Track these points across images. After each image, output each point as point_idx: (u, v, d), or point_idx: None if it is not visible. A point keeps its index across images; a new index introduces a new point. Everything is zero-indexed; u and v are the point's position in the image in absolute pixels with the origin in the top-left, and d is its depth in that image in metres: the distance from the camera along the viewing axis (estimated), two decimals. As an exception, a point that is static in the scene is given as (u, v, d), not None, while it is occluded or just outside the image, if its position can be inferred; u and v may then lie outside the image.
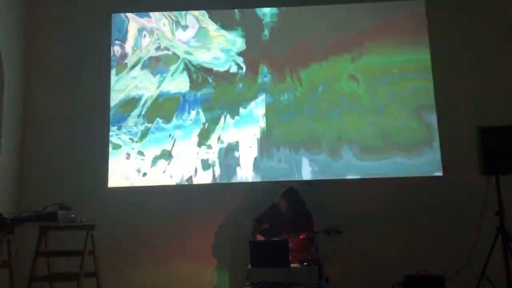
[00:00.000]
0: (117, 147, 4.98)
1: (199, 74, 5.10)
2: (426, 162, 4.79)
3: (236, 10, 5.20)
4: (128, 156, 4.96)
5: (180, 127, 5.00)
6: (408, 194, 4.69)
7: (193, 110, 5.03)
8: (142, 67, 5.14)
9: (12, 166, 4.83)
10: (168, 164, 4.94)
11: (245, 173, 4.88)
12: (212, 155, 4.93)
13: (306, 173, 4.84)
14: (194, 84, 5.08)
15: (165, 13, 5.24)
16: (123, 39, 5.20)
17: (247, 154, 4.91)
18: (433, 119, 4.86)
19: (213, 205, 4.79)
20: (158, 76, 5.12)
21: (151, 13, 5.24)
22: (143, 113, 5.05)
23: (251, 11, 5.20)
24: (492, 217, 3.74)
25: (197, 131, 4.98)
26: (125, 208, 4.79)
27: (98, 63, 5.13)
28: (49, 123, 5.04)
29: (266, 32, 5.15)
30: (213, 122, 4.99)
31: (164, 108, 5.05)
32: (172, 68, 5.13)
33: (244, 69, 5.08)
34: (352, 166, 4.83)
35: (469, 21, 5.01)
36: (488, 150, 3.75)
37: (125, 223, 4.73)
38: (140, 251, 4.73)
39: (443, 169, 4.76)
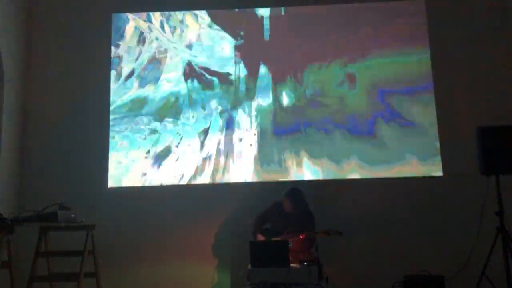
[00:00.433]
0: (117, 148, 4.98)
1: (199, 75, 5.10)
2: (426, 162, 4.79)
3: (236, 10, 5.20)
4: (127, 155, 4.96)
5: (180, 127, 5.00)
6: (408, 194, 4.69)
7: (192, 110, 5.03)
8: (142, 67, 5.14)
9: (12, 166, 4.83)
10: (168, 164, 4.93)
11: (245, 173, 4.88)
12: (212, 155, 4.92)
13: (306, 173, 4.84)
14: (194, 84, 5.08)
15: (165, 13, 5.24)
16: (123, 39, 5.20)
17: (247, 154, 4.91)
18: (433, 119, 4.86)
19: (213, 205, 4.79)
20: (157, 76, 5.11)
21: (151, 13, 5.24)
22: (143, 113, 5.05)
23: (252, 11, 5.20)
24: (492, 217, 3.73)
25: (196, 131, 4.98)
26: (125, 208, 4.78)
27: (98, 63, 5.13)
28: (49, 123, 5.04)
29: (267, 33, 5.15)
30: (213, 122, 4.99)
31: (164, 108, 5.05)
32: (171, 68, 5.12)
33: (244, 69, 5.08)
34: (352, 166, 4.82)
35: (469, 21, 5.01)
36: (488, 150, 3.75)
37: (125, 223, 4.73)
38: (140, 251, 4.73)
39: (443, 169, 4.76)
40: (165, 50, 5.17)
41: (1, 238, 3.41)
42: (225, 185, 4.87)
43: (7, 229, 3.44)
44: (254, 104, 5.01)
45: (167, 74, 5.12)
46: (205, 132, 4.98)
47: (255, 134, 4.95)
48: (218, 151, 4.94)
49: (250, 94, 5.03)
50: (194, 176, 4.90)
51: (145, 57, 5.16)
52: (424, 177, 4.76)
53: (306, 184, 4.66)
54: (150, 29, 5.22)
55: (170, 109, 5.05)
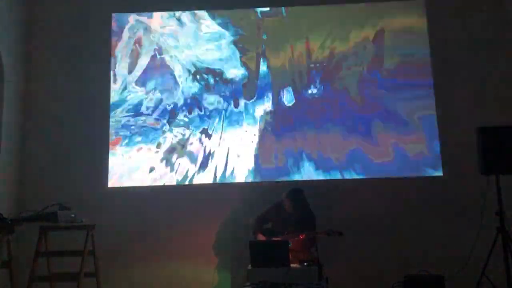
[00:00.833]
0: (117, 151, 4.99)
1: (198, 74, 5.10)
2: (426, 162, 4.80)
3: (236, 10, 5.20)
4: (127, 155, 4.96)
5: (179, 127, 5.00)
6: (408, 194, 4.69)
7: (192, 110, 5.03)
8: (142, 67, 5.14)
9: (12, 166, 4.83)
10: (168, 164, 4.94)
11: (245, 173, 4.88)
12: (212, 155, 4.92)
13: (307, 173, 4.84)
14: (194, 84, 5.08)
15: (165, 12, 5.23)
16: (123, 39, 5.19)
17: (248, 154, 4.91)
18: (433, 119, 4.86)
19: (213, 205, 4.78)
20: (157, 76, 5.11)
21: (151, 13, 5.24)
22: (142, 113, 5.05)
23: (252, 11, 5.20)
24: (492, 217, 3.73)
25: (196, 131, 4.98)
26: (125, 208, 4.78)
27: (98, 63, 5.13)
28: (49, 123, 5.04)
29: (267, 32, 5.15)
30: (212, 122, 4.99)
31: (163, 108, 5.04)
32: (171, 68, 5.12)
33: (245, 69, 5.08)
34: (352, 166, 4.82)
35: (469, 21, 5.01)
36: (488, 150, 3.75)
37: (125, 223, 4.73)
38: (140, 251, 4.73)
39: (443, 169, 4.76)
40: (165, 50, 5.16)
41: (1, 238, 3.41)
42: (225, 185, 4.87)
43: (7, 229, 3.44)
44: (254, 103, 5.01)
45: (167, 74, 5.12)
46: (205, 131, 4.98)
47: (255, 134, 4.95)
48: (218, 151, 4.93)
49: (250, 93, 5.03)
50: (194, 176, 4.90)
51: (144, 56, 5.16)
52: (424, 177, 4.76)
53: (306, 184, 4.65)
54: (150, 29, 5.21)
55: (170, 108, 5.04)
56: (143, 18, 5.24)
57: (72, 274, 3.73)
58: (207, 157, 4.93)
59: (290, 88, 5.02)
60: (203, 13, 5.22)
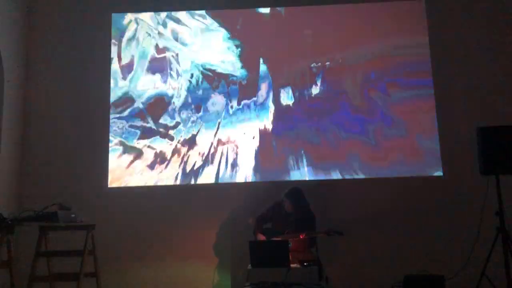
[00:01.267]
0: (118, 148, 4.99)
1: (198, 74, 5.10)
2: (426, 162, 4.80)
3: (236, 10, 5.20)
4: (127, 155, 4.97)
5: (179, 127, 5.00)
6: (408, 194, 4.69)
7: (191, 110, 5.03)
8: (142, 67, 5.14)
9: (12, 166, 4.83)
10: (168, 164, 4.94)
11: (245, 173, 4.88)
12: (212, 155, 4.92)
13: (307, 173, 4.84)
14: (194, 84, 5.08)
15: (165, 12, 5.23)
16: (123, 39, 5.19)
17: (248, 153, 4.91)
18: (433, 119, 4.86)
19: (213, 205, 4.79)
20: (156, 76, 5.12)
21: (151, 13, 5.24)
22: (142, 113, 5.05)
23: (252, 10, 5.20)
24: (492, 217, 3.73)
25: (196, 131, 4.98)
26: (125, 208, 4.79)
27: (98, 63, 5.13)
28: (49, 123, 5.04)
29: (267, 32, 5.15)
30: (212, 122, 4.99)
31: (162, 108, 5.04)
32: (171, 67, 5.13)
33: (245, 69, 5.08)
34: (352, 166, 4.82)
35: (469, 21, 5.02)
36: (488, 150, 3.75)
37: (125, 223, 4.73)
38: (140, 251, 4.73)
39: (443, 169, 4.76)
40: (165, 49, 5.16)
41: (1, 238, 3.41)
42: (225, 185, 4.87)
43: (7, 229, 3.44)
44: (254, 103, 5.01)
45: (167, 73, 5.12)
46: (205, 131, 4.98)
47: (254, 135, 4.95)
48: (218, 151, 4.93)
49: (250, 93, 5.03)
50: (194, 176, 4.90)
51: (144, 56, 5.16)
52: (424, 177, 4.76)
53: (306, 184, 4.66)
54: (150, 29, 5.21)
55: (169, 108, 5.04)
56: (143, 18, 5.24)
57: (72, 274, 3.73)
58: (207, 157, 4.93)
59: (290, 88, 5.02)
60: (203, 13, 5.22)
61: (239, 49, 5.12)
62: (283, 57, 5.08)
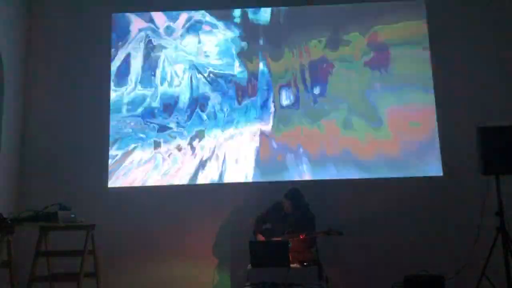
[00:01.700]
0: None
1: (198, 74, 5.10)
2: (426, 162, 4.79)
3: (236, 10, 5.20)
4: (127, 155, 4.97)
5: (179, 127, 5.00)
6: (408, 194, 4.69)
7: (192, 110, 5.03)
8: (142, 67, 5.14)
9: (12, 166, 4.83)
10: (168, 164, 4.94)
11: (245, 173, 4.88)
12: (212, 155, 4.92)
13: (307, 173, 4.84)
14: (193, 84, 5.08)
15: (165, 12, 5.23)
16: (123, 39, 5.19)
17: (247, 153, 4.91)
18: (433, 119, 4.86)
19: (213, 205, 4.79)
20: (157, 76, 5.11)
21: (151, 13, 5.24)
22: (142, 113, 5.05)
23: (252, 10, 5.20)
24: (492, 217, 3.73)
25: (197, 131, 4.98)
26: (125, 208, 4.78)
27: (98, 63, 5.13)
28: (49, 123, 5.04)
29: (267, 32, 5.15)
30: (212, 122, 4.99)
31: (163, 108, 5.04)
32: (171, 68, 5.12)
33: (245, 69, 5.08)
34: (352, 166, 4.82)
35: (469, 21, 5.02)
36: (488, 150, 3.75)
37: (125, 223, 4.73)
38: (140, 251, 4.73)
39: (443, 169, 4.76)
40: (165, 49, 5.16)
41: (1, 238, 3.41)
42: (225, 185, 4.87)
43: (7, 229, 3.44)
44: (254, 103, 5.01)
45: (167, 74, 5.12)
46: (205, 131, 4.98)
47: (254, 135, 4.95)
48: (218, 151, 4.93)
49: (250, 93, 5.03)
50: (194, 176, 4.90)
51: (144, 56, 5.16)
52: (424, 177, 4.76)
53: (306, 184, 4.66)
54: (150, 29, 5.21)
55: (169, 109, 5.04)
56: (143, 18, 5.24)
57: (72, 274, 3.74)
58: (207, 157, 4.93)
59: (290, 88, 5.02)
60: (203, 13, 5.21)
61: (240, 49, 5.12)
62: (283, 57, 5.07)
